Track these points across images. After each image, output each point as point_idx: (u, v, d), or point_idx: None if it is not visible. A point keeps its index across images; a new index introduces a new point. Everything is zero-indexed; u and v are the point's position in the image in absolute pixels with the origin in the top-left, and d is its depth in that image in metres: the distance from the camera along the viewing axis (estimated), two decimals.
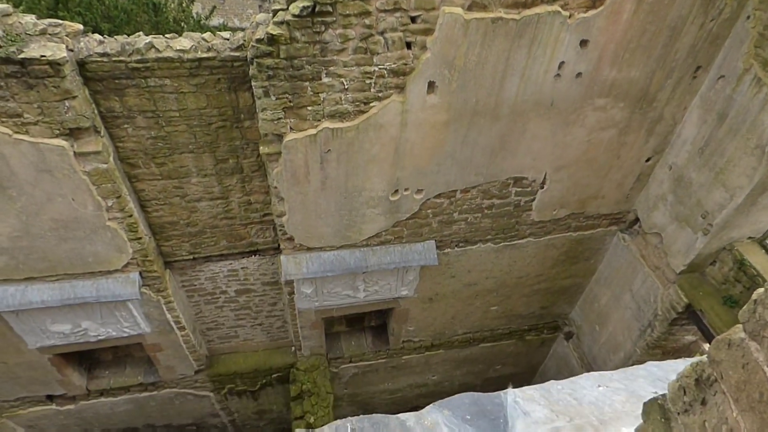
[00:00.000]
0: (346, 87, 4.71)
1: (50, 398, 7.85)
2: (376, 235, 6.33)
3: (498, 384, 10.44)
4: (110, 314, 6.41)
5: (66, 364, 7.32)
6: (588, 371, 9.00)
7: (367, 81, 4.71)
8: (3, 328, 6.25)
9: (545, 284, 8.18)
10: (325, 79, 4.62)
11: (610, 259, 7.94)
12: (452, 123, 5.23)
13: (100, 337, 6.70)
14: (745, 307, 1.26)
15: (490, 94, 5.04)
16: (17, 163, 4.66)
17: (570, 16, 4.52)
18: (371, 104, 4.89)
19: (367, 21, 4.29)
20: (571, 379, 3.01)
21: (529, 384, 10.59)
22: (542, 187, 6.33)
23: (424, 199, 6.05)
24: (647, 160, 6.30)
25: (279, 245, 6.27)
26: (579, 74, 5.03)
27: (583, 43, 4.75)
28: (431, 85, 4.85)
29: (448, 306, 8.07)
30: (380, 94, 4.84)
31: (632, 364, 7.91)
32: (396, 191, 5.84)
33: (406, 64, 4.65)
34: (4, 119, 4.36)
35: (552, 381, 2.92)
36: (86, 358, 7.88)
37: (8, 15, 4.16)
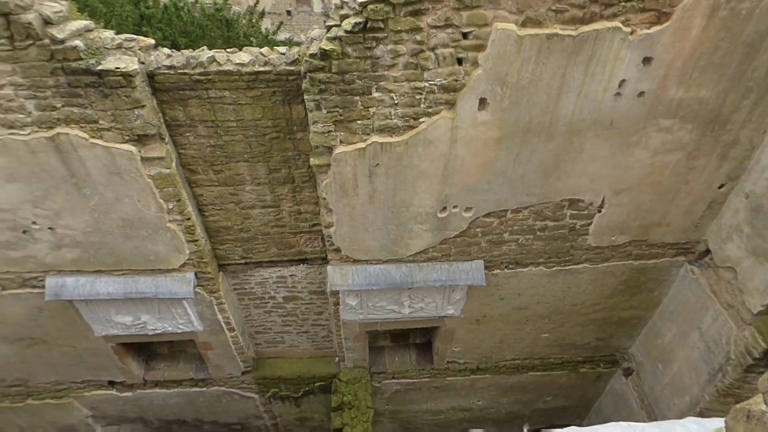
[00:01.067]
0: (395, 102, 4.77)
1: (111, 384, 8.43)
2: (423, 252, 6.30)
3: (547, 416, 9.96)
4: (167, 310, 6.80)
5: (126, 354, 7.84)
6: (648, 413, 8.38)
7: (417, 96, 4.74)
8: (74, 315, 6.80)
9: (602, 314, 7.74)
10: (375, 94, 4.70)
11: (676, 293, 7.38)
12: (504, 140, 5.13)
13: (157, 331, 7.12)
14: (766, 374, 1.11)
15: (544, 112, 4.90)
16: (92, 165, 5.11)
17: (632, 33, 4.31)
18: (421, 120, 4.91)
19: (418, 37, 4.33)
20: (594, 427, 2.80)
21: (582, 420, 10.05)
22: (600, 211, 6.03)
23: (473, 218, 5.95)
24: (720, 187, 5.83)
25: (326, 255, 6.40)
26: (641, 93, 4.77)
27: (647, 60, 4.51)
28: (482, 102, 4.79)
29: (496, 329, 7.83)
30: (430, 110, 4.85)
31: (700, 411, 7.27)
32: (444, 208, 5.79)
33: (456, 80, 4.64)
34: (82, 125, 4.81)
35: (574, 428, 2.74)
36: (145, 350, 8.40)
37: (90, 30, 4.61)
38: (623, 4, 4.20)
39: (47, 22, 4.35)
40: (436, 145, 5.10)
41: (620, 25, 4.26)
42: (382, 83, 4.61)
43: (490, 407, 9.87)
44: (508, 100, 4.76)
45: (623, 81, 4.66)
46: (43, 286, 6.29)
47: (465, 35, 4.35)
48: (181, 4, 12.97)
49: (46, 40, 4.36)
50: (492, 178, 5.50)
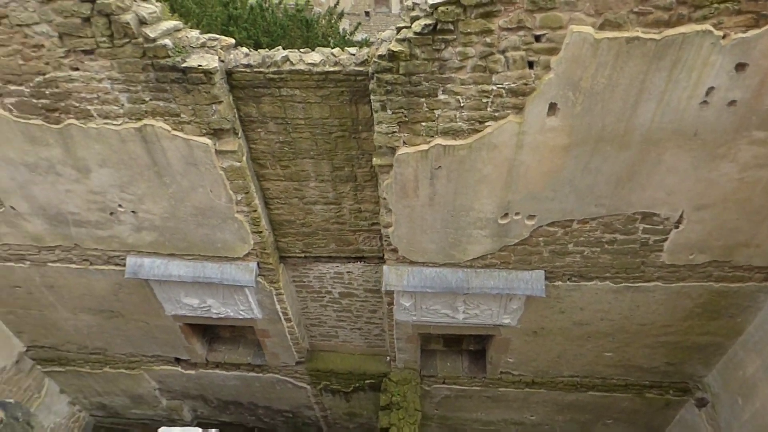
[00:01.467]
0: (461, 105, 4.73)
1: (177, 361, 9.02)
2: (481, 257, 6.20)
3: None
4: (230, 296, 7.18)
5: (192, 334, 8.36)
6: None
7: (484, 100, 4.68)
8: (149, 294, 7.36)
9: (674, 337, 7.22)
10: (441, 96, 4.69)
11: (763, 321, 6.74)
12: (573, 148, 4.94)
13: (220, 315, 7.54)
14: None
15: (619, 120, 4.66)
16: (172, 156, 5.50)
17: (724, 37, 3.99)
18: (486, 123, 4.84)
19: (488, 39, 4.27)
20: None
21: None
22: (677, 227, 5.64)
23: (536, 226, 5.77)
24: None
25: (383, 255, 6.47)
26: (732, 102, 4.40)
27: (740, 66, 4.16)
28: (552, 107, 4.64)
29: (555, 343, 7.55)
30: (496, 114, 4.76)
31: None
32: (506, 214, 5.67)
33: (526, 84, 4.52)
34: (166, 117, 5.19)
35: None
36: (209, 332, 8.91)
37: (179, 30, 4.96)
38: (716, 5, 3.91)
39: (142, 22, 4.73)
40: (500, 149, 5.00)
41: (711, 28, 3.96)
42: (448, 85, 4.59)
43: (544, 423, 9.53)
44: (581, 105, 4.58)
45: (711, 88, 4.33)
46: (124, 265, 6.85)
47: (537, 38, 4.23)
48: (266, 5, 13.63)
49: (140, 39, 4.75)
50: (558, 186, 5.31)
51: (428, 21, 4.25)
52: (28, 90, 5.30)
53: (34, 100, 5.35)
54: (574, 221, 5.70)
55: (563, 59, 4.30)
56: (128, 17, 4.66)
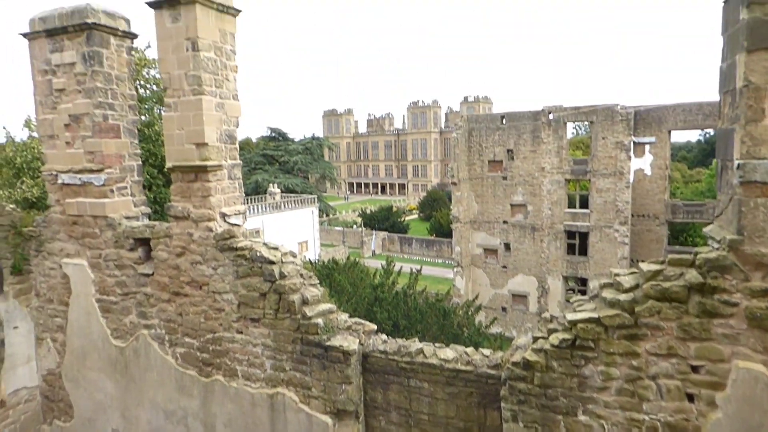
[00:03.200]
0: (606, 431, 4.24)
1: None
2: None
3: None
4: None
5: None
6: None
7: (634, 430, 4.15)
8: None
9: None
10: (582, 417, 4.30)
11: None
12: None
13: None
14: None
15: None
16: (292, 429, 5.57)
17: None
18: None
19: (634, 362, 4.07)
20: None
21: None
22: None
23: None
24: None
25: None
26: None
27: None
28: None
29: None
30: None
31: None
32: None
33: (687, 420, 3.98)
34: (298, 389, 5.51)
35: None
36: None
37: (332, 312, 5.69)
38: None
39: (305, 302, 5.59)
40: None
41: None
42: (590, 406, 4.24)
43: None
44: None
45: None
46: None
47: (694, 369, 3.90)
48: (410, 292, 15.22)
49: (299, 315, 5.53)
50: None
51: (566, 336, 4.28)
52: (197, 344, 6.24)
53: (198, 353, 6.20)
54: None
55: (732, 398, 3.79)
56: (295, 297, 5.56)
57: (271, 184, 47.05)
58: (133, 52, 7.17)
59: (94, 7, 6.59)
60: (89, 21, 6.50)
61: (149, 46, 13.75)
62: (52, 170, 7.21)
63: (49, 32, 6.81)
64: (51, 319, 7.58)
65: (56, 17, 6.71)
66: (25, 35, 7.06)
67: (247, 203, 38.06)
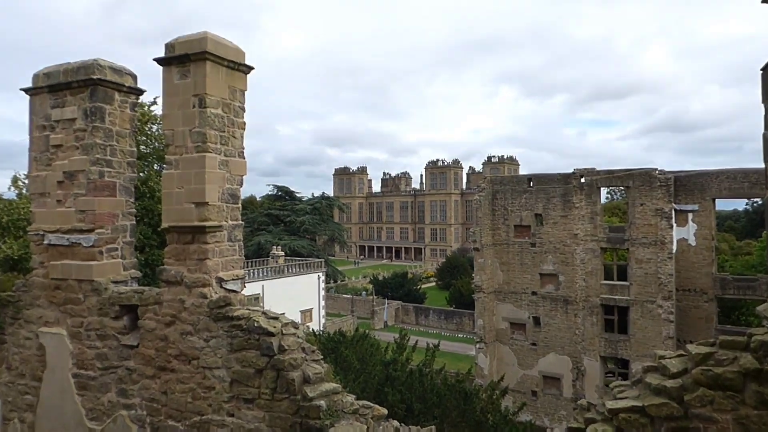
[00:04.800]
0: None
1: None
2: None
3: None
4: None
5: None
6: None
7: None
8: None
9: None
10: None
11: None
12: None
13: None
14: None
15: None
16: None
17: None
18: None
19: None
20: None
21: None
22: None
23: None
24: None
25: None
26: None
27: None
28: None
29: None
30: None
31: None
32: None
33: None
34: None
35: None
36: None
37: (336, 393, 5.53)
38: None
39: (306, 380, 5.46)
40: None
41: None
42: None
43: None
44: None
45: None
46: None
47: None
48: (426, 371, 14.80)
49: (299, 396, 5.38)
50: None
51: (607, 427, 4.09)
52: (182, 427, 6.05)
53: None
54: None
55: None
56: (296, 374, 5.44)
57: (274, 246, 47.48)
58: (137, 108, 7.54)
59: (101, 64, 7.02)
60: (95, 77, 6.90)
61: (155, 102, 14.46)
62: (39, 230, 7.39)
63: (52, 87, 7.22)
64: (21, 397, 7.47)
65: (61, 73, 7.15)
66: (26, 90, 7.50)
67: (248, 267, 38.28)
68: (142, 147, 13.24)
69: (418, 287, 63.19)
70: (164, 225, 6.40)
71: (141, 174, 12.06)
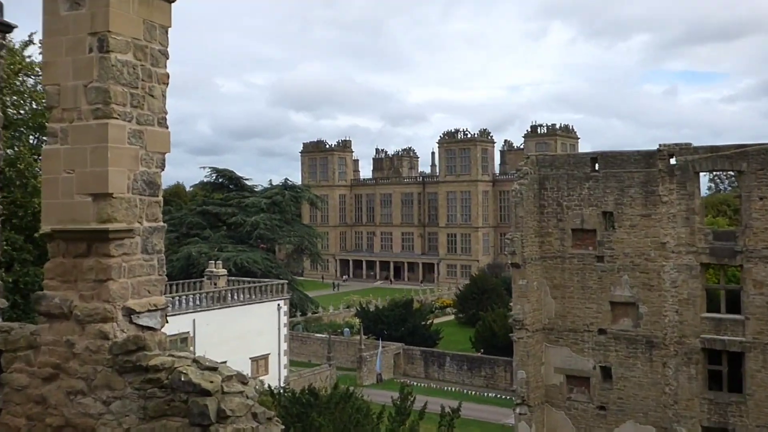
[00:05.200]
0: None
1: None
2: None
3: None
4: None
5: None
6: None
7: None
8: None
9: None
10: None
11: None
12: None
13: None
14: None
15: None
16: None
17: None
18: None
19: None
20: None
21: None
22: None
23: None
24: None
25: None
26: None
27: None
28: None
29: None
30: None
31: None
32: None
33: None
34: None
35: None
36: None
37: None
38: None
39: None
40: None
41: None
42: None
43: None
44: None
45: None
46: None
47: None
48: None
49: None
50: None
51: None
52: None
53: None
54: None
55: None
56: None
57: (212, 262, 47.44)
58: (2, 53, 7.49)
59: None
60: None
61: (31, 42, 14.40)
62: None
63: None
64: None
65: None
66: None
67: (172, 292, 38.17)
68: (10, 110, 13.16)
69: (429, 322, 63.25)
70: (44, 229, 6.36)
71: (7, 151, 12.00)
